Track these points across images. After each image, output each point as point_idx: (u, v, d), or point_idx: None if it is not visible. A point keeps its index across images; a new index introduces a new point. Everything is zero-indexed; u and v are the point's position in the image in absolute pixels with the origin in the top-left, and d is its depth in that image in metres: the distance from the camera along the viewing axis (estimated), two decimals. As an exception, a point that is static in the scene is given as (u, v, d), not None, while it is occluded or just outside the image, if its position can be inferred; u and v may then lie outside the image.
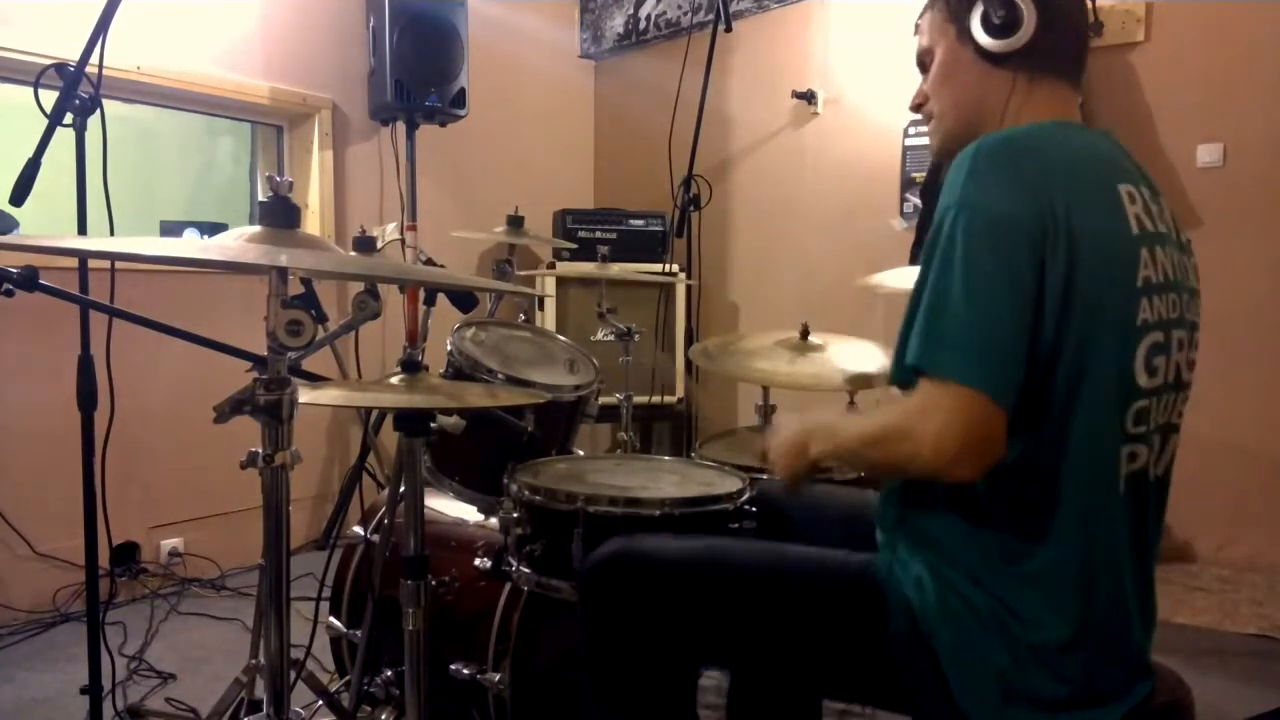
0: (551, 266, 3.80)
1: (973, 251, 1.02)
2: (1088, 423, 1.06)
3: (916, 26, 1.30)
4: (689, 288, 3.88)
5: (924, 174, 3.45)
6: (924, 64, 1.30)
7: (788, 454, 1.26)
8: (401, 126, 3.62)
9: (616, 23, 4.48)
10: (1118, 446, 1.09)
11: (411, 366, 1.50)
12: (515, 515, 1.58)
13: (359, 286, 1.73)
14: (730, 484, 1.63)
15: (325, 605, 1.95)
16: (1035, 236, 1.02)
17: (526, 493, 1.56)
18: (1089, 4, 1.26)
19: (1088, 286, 1.03)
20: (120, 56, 2.86)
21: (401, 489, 1.57)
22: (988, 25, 1.18)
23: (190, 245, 2.11)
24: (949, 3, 1.24)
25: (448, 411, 1.56)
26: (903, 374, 1.07)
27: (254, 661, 1.82)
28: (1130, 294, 1.08)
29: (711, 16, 3.19)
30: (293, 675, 1.66)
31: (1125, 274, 1.08)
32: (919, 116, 1.34)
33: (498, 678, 1.67)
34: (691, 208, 3.50)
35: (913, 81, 1.33)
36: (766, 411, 2.27)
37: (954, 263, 1.02)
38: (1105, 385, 1.06)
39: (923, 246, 1.10)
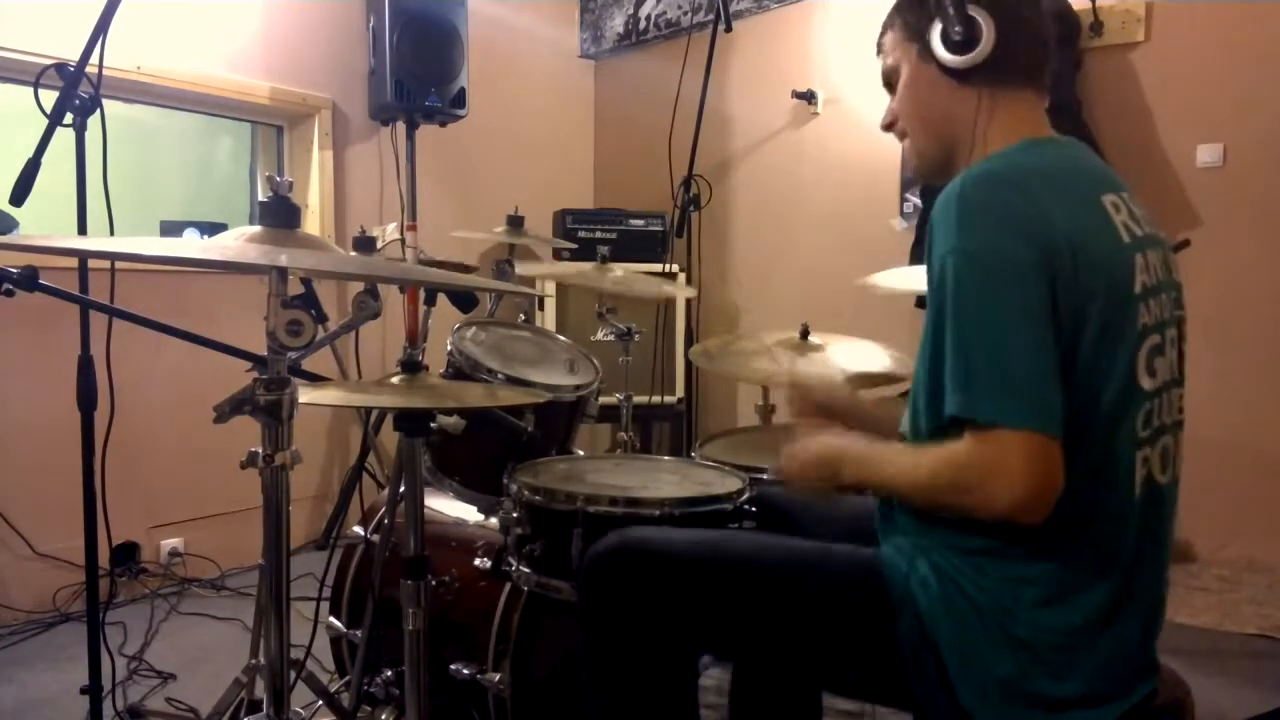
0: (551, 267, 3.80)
1: (986, 296, 1.03)
2: (1104, 431, 1.07)
3: (879, 46, 1.31)
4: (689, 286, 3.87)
5: (924, 174, 3.45)
6: (890, 83, 1.30)
7: (817, 470, 1.25)
8: (401, 126, 3.61)
9: (616, 23, 4.48)
10: (1132, 451, 1.09)
11: (411, 366, 1.50)
12: (515, 515, 1.58)
13: (359, 286, 1.73)
14: (730, 484, 1.63)
15: (325, 605, 1.95)
16: (1040, 266, 1.02)
17: (526, 493, 1.56)
18: (1086, 8, 1.27)
19: (1095, 302, 1.05)
20: (120, 56, 2.87)
21: (401, 489, 1.57)
22: (948, 42, 1.18)
23: (190, 245, 2.11)
24: (908, 22, 1.25)
25: (448, 411, 1.56)
26: (934, 424, 1.08)
27: (254, 661, 1.82)
28: (1131, 301, 1.09)
29: (711, 16, 3.18)
30: (293, 675, 1.66)
31: (1124, 284, 1.09)
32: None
33: (498, 678, 1.67)
34: (691, 208, 3.50)
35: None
36: (767, 411, 2.26)
37: (971, 311, 1.03)
38: (1116, 393, 1.07)
39: (924, 296, 1.11)
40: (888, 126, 1.32)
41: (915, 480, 1.12)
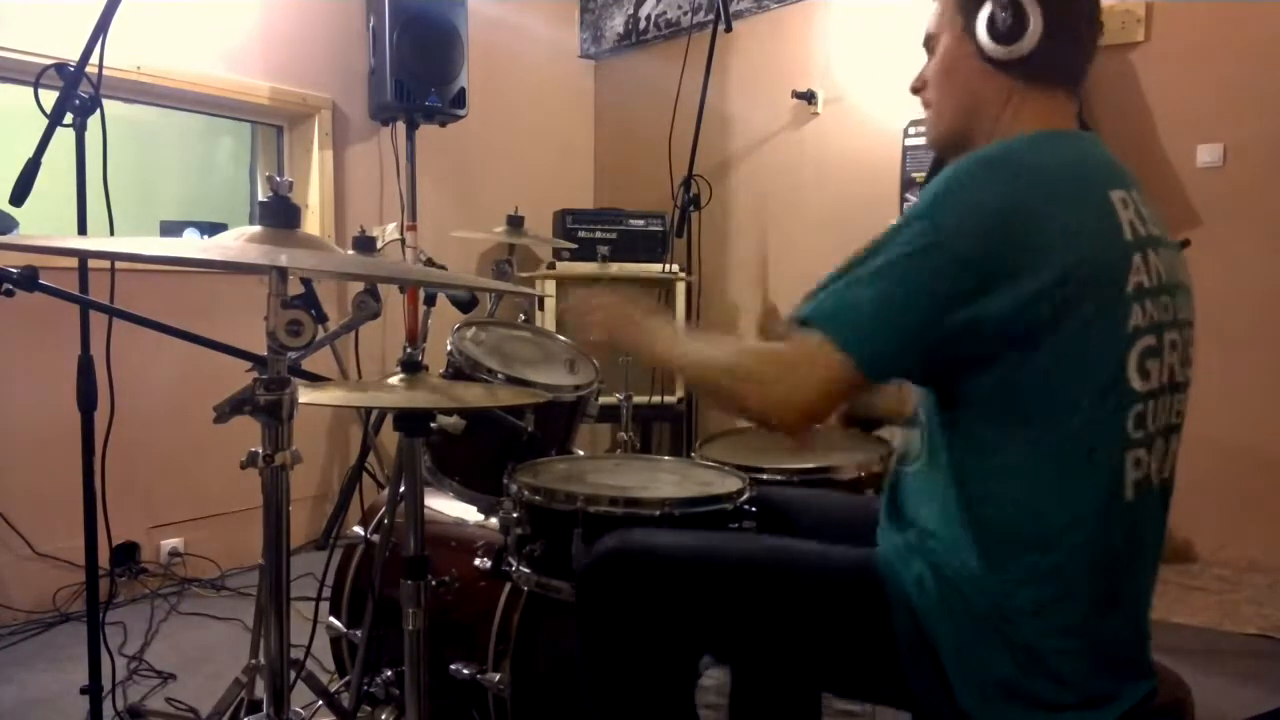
0: (551, 266, 3.80)
1: (906, 254, 1.06)
2: (1088, 429, 1.06)
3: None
4: (689, 287, 3.87)
5: (924, 174, 3.45)
6: (930, 47, 1.28)
7: (612, 322, 1.33)
8: (401, 126, 3.61)
9: (616, 23, 4.48)
10: (1122, 452, 1.09)
11: (411, 366, 1.50)
12: (515, 515, 1.58)
13: (359, 286, 1.73)
14: (730, 484, 1.63)
15: (325, 605, 1.95)
16: (975, 268, 1.03)
17: (526, 493, 1.56)
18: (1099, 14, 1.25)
19: (1077, 296, 1.03)
20: (120, 56, 2.86)
21: (401, 489, 1.57)
22: (992, 29, 1.17)
23: (190, 245, 2.10)
24: None
25: (448, 411, 1.56)
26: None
27: (254, 661, 1.82)
28: (1121, 300, 1.07)
29: (711, 16, 3.19)
30: (293, 675, 1.66)
31: (1115, 280, 1.07)
32: (919, 116, 1.34)
33: (498, 678, 1.67)
34: (691, 208, 3.50)
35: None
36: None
37: (887, 253, 1.08)
38: (1101, 391, 1.06)
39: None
40: (916, 91, 1.31)
41: (712, 358, 1.19)
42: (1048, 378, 1.04)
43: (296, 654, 1.83)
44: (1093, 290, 1.05)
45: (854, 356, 1.06)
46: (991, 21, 1.17)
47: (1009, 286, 1.03)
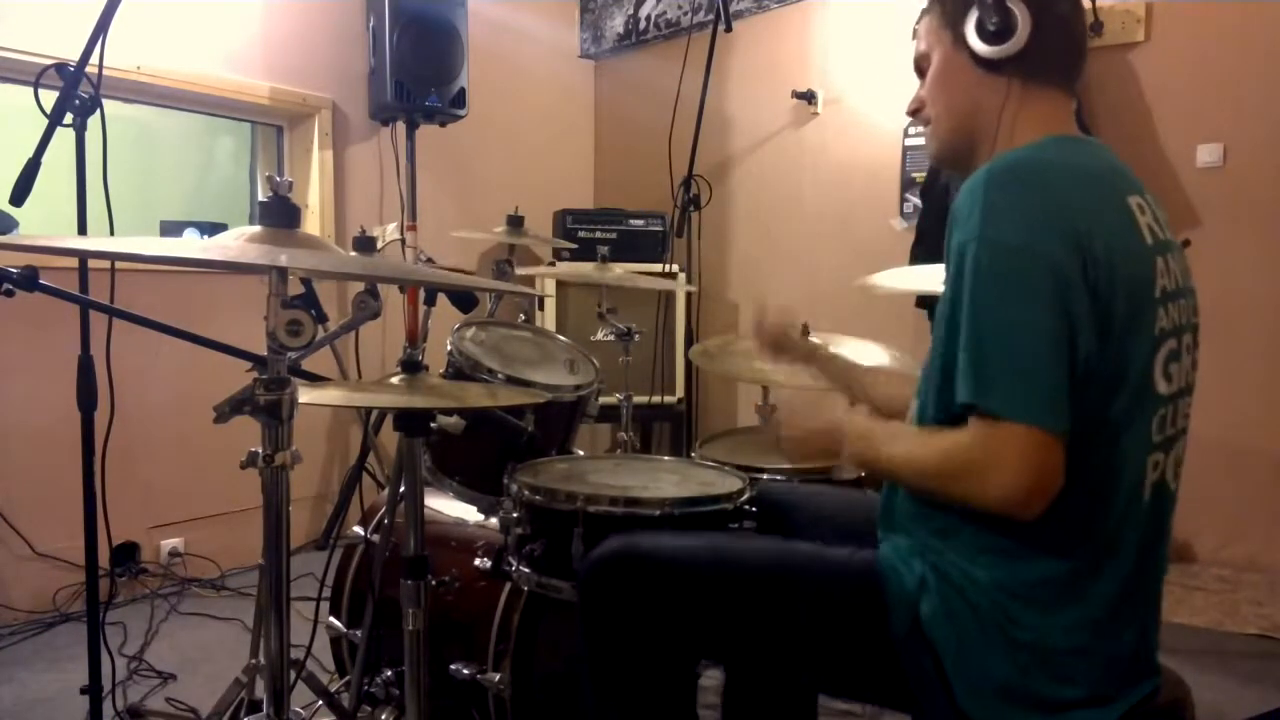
0: (551, 266, 3.80)
1: (1006, 285, 1.02)
2: (1120, 435, 1.07)
3: (915, 31, 1.31)
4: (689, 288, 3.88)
5: (924, 174, 3.45)
6: (921, 69, 1.30)
7: (817, 439, 1.25)
8: (401, 126, 3.62)
9: (616, 23, 4.48)
10: (1143, 456, 1.09)
11: (411, 366, 1.50)
12: (515, 515, 1.58)
13: (359, 286, 1.73)
14: (730, 484, 1.63)
15: (325, 605, 1.95)
16: (1059, 264, 1.02)
17: (526, 493, 1.56)
18: (1087, 8, 1.25)
19: (1116, 303, 1.04)
20: (120, 56, 2.86)
21: (401, 489, 1.57)
22: (982, 31, 1.18)
23: (190, 245, 2.10)
24: (945, 8, 1.24)
25: (448, 411, 1.56)
26: (941, 416, 1.08)
27: (254, 661, 1.82)
28: (1150, 305, 1.08)
29: (711, 16, 3.19)
30: (293, 675, 1.66)
31: (1145, 286, 1.08)
32: (919, 116, 1.34)
33: (498, 678, 1.67)
34: (691, 208, 3.50)
35: (914, 82, 1.33)
36: (767, 411, 2.26)
37: (988, 299, 1.03)
38: (1134, 397, 1.07)
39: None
40: (914, 112, 1.31)
41: (921, 462, 1.11)
42: (1088, 382, 1.04)
43: (296, 654, 1.83)
44: (1129, 296, 1.05)
45: (1032, 421, 0.99)
46: (980, 26, 1.18)
47: (1086, 288, 1.02)
